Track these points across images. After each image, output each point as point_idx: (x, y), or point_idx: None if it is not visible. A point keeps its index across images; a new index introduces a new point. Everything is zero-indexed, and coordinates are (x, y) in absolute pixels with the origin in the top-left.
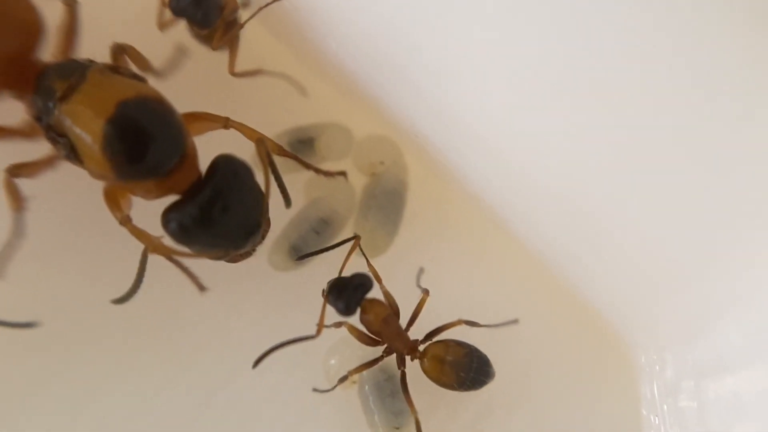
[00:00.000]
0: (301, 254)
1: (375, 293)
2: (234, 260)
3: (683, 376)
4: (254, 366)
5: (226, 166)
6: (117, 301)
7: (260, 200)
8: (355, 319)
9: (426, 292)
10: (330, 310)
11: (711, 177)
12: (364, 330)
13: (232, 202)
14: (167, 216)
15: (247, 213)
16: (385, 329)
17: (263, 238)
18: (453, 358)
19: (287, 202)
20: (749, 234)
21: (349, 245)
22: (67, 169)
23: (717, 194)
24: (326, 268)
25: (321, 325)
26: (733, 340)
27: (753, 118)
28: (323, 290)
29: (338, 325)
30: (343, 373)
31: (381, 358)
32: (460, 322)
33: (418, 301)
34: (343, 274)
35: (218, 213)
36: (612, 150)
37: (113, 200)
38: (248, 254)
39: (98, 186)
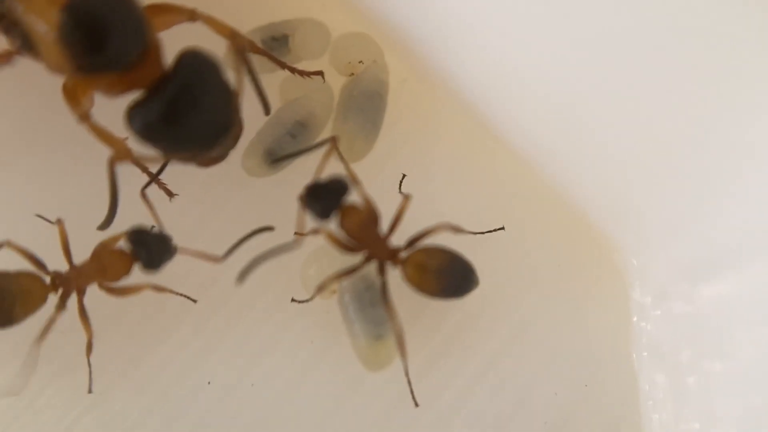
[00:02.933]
0: (275, 158)
1: (354, 199)
2: (205, 164)
3: (675, 279)
4: (238, 281)
5: (193, 59)
6: (101, 227)
7: (230, 97)
8: (333, 227)
9: (406, 196)
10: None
11: (696, 70)
12: (342, 237)
13: (200, 98)
14: (131, 112)
15: (217, 110)
16: (364, 235)
17: (236, 140)
18: (436, 265)
19: (266, 108)
20: (739, 120)
21: (325, 148)
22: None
23: (706, 81)
24: (303, 173)
25: (300, 233)
26: (725, 239)
27: None
28: (299, 195)
29: (315, 231)
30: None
31: (361, 265)
32: (443, 226)
33: (409, 208)
34: (320, 178)
35: (185, 109)
36: (602, 49)
37: (72, 95)
38: (220, 158)
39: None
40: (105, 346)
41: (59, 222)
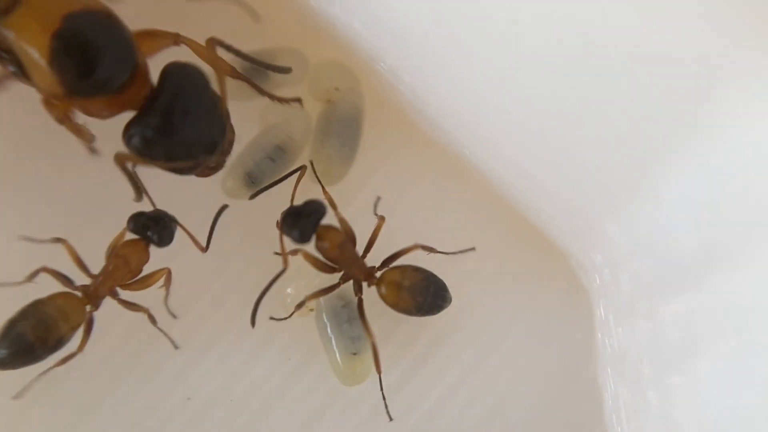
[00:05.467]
0: (255, 185)
1: (330, 220)
2: (204, 174)
3: (636, 296)
4: (252, 324)
5: (177, 71)
6: (136, 200)
7: (219, 102)
8: (311, 248)
9: (381, 218)
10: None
11: (658, 90)
12: (320, 257)
13: (191, 105)
14: (128, 132)
15: (210, 115)
16: (340, 256)
17: (230, 145)
18: (410, 283)
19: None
20: (696, 143)
21: (297, 175)
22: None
23: (668, 100)
24: (281, 194)
25: (284, 255)
26: (684, 257)
27: None
28: (277, 221)
29: (294, 252)
30: (298, 301)
31: (338, 285)
32: (416, 246)
33: (384, 229)
34: (296, 204)
35: (179, 118)
36: (567, 66)
37: (49, 102)
38: (218, 166)
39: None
40: (86, 365)
41: (63, 241)
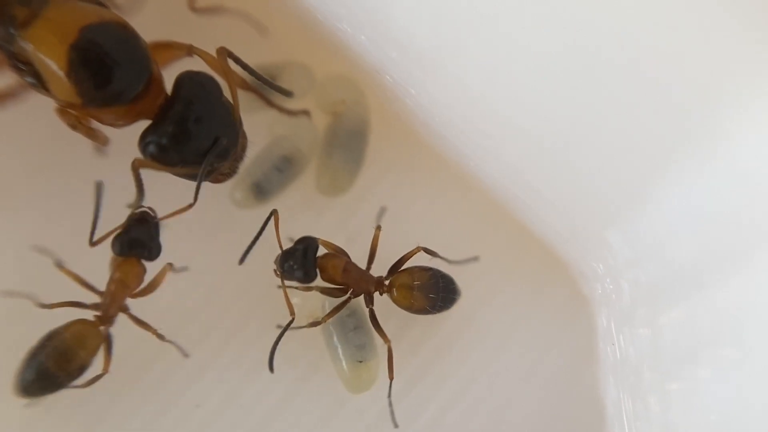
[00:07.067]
0: (263, 195)
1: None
2: (216, 180)
3: (636, 305)
4: (271, 370)
5: (190, 79)
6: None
7: (231, 108)
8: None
9: (378, 227)
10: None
11: (658, 99)
12: (329, 285)
13: (204, 112)
14: (144, 140)
15: (223, 121)
16: (348, 277)
17: (243, 151)
18: (420, 283)
19: (286, 93)
20: (698, 147)
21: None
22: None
23: (668, 110)
24: (287, 203)
25: (290, 306)
26: (684, 267)
27: None
28: (274, 270)
29: (307, 289)
30: (305, 310)
31: (348, 299)
32: (418, 249)
33: (390, 239)
34: (287, 248)
35: (193, 124)
36: (570, 77)
37: (61, 110)
38: (231, 172)
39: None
40: (94, 374)
41: (59, 265)
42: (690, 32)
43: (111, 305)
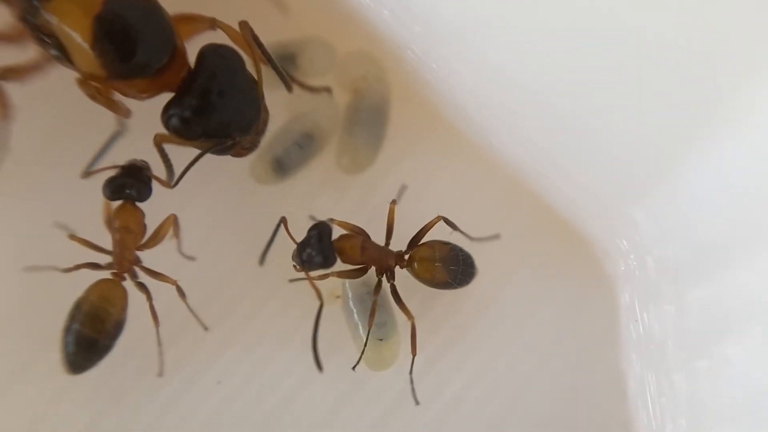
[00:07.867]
0: (283, 171)
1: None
2: (238, 154)
3: (661, 282)
4: (320, 369)
5: (213, 52)
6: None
7: (254, 82)
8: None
9: (393, 202)
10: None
11: (687, 76)
12: (350, 267)
13: (227, 85)
14: (167, 113)
15: (245, 95)
16: (367, 255)
17: (265, 125)
18: (441, 255)
19: (288, 86)
20: (726, 125)
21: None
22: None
23: (697, 86)
24: (307, 181)
25: (318, 292)
26: (710, 242)
27: None
28: (294, 265)
29: (324, 277)
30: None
31: (364, 272)
32: (438, 218)
33: (411, 217)
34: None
35: (216, 97)
36: (595, 53)
37: (82, 81)
38: (254, 146)
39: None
40: (118, 350)
41: (72, 236)
42: (722, 13)
43: (122, 255)
